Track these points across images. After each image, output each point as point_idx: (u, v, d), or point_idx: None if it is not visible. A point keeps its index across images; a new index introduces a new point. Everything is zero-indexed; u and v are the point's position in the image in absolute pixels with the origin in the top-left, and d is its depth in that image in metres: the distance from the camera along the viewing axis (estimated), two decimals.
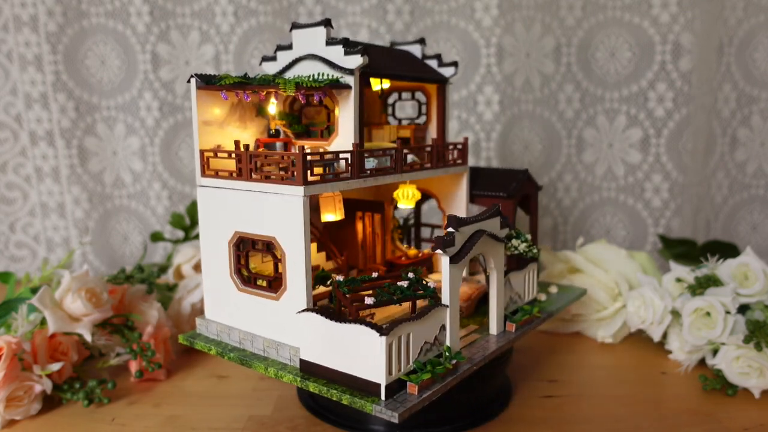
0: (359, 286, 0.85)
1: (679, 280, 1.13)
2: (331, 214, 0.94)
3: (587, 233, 1.78)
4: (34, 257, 1.76)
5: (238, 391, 1.02)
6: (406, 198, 1.02)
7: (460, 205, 1.07)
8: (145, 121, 1.69)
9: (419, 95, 1.13)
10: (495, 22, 1.62)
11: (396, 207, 1.11)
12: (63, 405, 0.98)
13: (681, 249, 1.56)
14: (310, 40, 0.90)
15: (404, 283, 0.83)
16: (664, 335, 1.15)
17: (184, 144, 1.74)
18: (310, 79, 0.85)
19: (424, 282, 0.84)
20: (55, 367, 0.96)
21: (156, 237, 1.62)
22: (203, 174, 0.88)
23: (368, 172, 0.86)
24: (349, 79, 0.86)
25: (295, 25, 0.92)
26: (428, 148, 0.97)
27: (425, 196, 1.14)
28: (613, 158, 1.73)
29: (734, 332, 1.00)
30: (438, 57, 1.05)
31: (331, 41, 0.87)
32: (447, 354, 0.76)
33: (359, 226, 1.10)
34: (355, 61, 0.85)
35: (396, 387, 0.71)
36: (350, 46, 0.86)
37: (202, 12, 1.65)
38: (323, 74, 0.88)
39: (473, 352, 0.82)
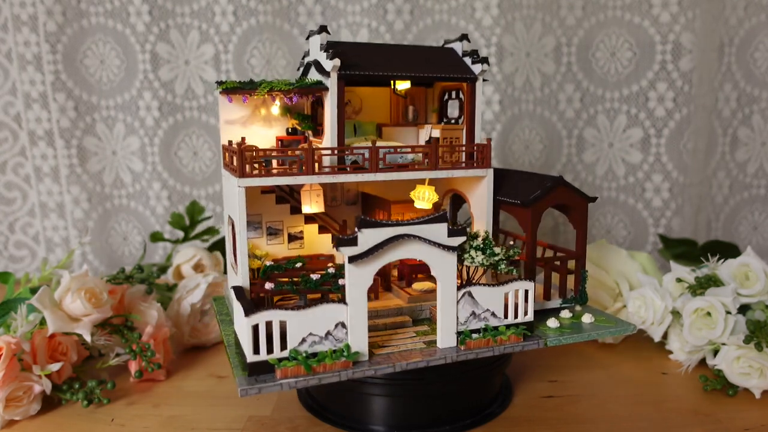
0: (281, 272, 0.91)
1: (679, 280, 1.13)
2: (308, 206, 1.00)
3: (587, 233, 1.78)
4: (33, 257, 1.76)
5: None
6: (421, 199, 0.99)
7: (483, 209, 1.01)
8: (145, 121, 1.69)
9: (462, 94, 1.11)
10: (495, 22, 1.62)
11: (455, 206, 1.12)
12: (62, 405, 0.98)
13: (681, 249, 1.56)
14: (315, 47, 0.95)
15: (316, 276, 0.87)
16: (665, 335, 1.15)
17: (184, 144, 1.74)
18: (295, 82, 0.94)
19: (338, 279, 0.88)
20: (55, 367, 0.96)
21: (155, 237, 1.61)
22: (223, 166, 0.99)
23: (329, 169, 0.89)
24: (330, 81, 0.91)
25: (310, 33, 0.98)
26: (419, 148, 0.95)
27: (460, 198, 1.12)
28: (613, 158, 1.73)
29: (735, 332, 1.00)
30: (473, 53, 1.02)
31: (321, 46, 0.92)
32: (343, 352, 0.77)
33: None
34: (330, 64, 0.89)
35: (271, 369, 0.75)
36: (330, 49, 0.90)
37: (202, 11, 1.65)
38: (307, 78, 0.95)
39: (394, 359, 0.80)
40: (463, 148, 0.99)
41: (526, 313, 0.87)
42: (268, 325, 0.75)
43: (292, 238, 1.07)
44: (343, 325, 0.78)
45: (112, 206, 1.76)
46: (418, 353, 0.81)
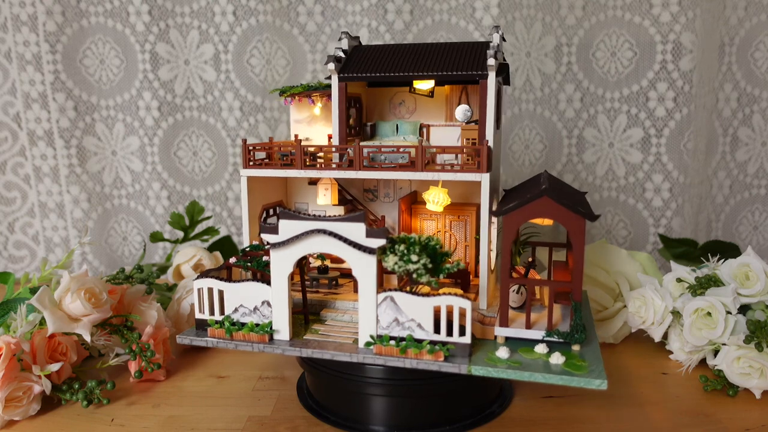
0: (255, 252, 0.98)
1: (679, 280, 1.13)
2: (318, 198, 1.08)
3: (587, 233, 1.78)
4: (33, 257, 1.76)
5: (238, 391, 1.02)
6: (431, 202, 0.97)
7: (485, 213, 0.94)
8: (144, 121, 1.69)
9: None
10: (495, 21, 1.61)
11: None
12: (62, 405, 0.98)
13: (682, 249, 1.56)
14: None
15: (267, 258, 0.93)
16: (665, 335, 1.15)
17: (183, 144, 1.74)
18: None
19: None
20: (54, 367, 0.96)
21: (155, 237, 1.61)
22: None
23: (316, 165, 0.97)
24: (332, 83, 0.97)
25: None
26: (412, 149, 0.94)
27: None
28: (613, 158, 1.73)
29: (735, 332, 1.00)
30: (495, 49, 0.97)
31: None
32: (265, 327, 0.85)
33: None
34: (331, 66, 0.96)
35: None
36: (337, 53, 0.97)
37: (202, 11, 1.65)
38: (319, 81, 1.08)
39: (310, 345, 0.83)
40: (464, 149, 0.98)
41: (462, 333, 0.79)
42: (224, 291, 0.87)
43: None
44: (268, 304, 0.85)
45: (112, 206, 1.76)
46: (333, 346, 0.83)
